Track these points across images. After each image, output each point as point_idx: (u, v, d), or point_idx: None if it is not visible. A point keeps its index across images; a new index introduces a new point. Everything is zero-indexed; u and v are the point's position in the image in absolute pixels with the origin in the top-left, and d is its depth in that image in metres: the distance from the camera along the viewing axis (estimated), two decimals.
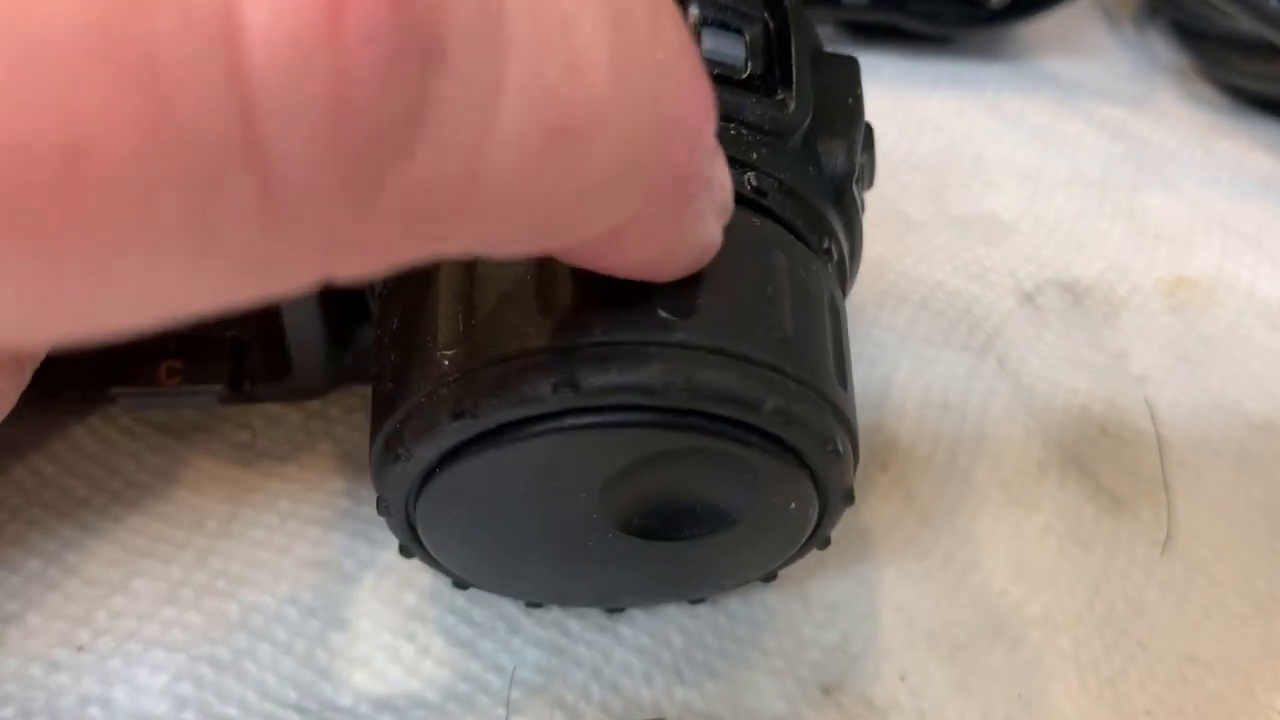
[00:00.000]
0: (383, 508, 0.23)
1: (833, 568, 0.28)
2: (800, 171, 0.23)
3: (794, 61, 0.24)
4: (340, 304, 0.26)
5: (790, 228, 0.22)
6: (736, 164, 0.22)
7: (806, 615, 0.27)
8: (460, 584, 0.26)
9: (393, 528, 0.23)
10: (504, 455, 0.20)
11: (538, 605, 0.27)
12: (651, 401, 0.20)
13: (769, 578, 0.26)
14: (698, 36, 0.23)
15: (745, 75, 0.23)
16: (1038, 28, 0.45)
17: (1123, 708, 0.26)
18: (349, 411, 0.29)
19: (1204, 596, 0.28)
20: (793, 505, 0.22)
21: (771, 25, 0.24)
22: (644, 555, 0.23)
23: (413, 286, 0.22)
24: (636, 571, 0.24)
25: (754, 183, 0.22)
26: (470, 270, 0.21)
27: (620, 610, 0.27)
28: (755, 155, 0.22)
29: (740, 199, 0.21)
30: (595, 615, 0.27)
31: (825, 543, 0.24)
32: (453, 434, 0.20)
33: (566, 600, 0.27)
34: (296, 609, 0.26)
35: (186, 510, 0.27)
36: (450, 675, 0.26)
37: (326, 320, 0.27)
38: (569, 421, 0.20)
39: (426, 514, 0.22)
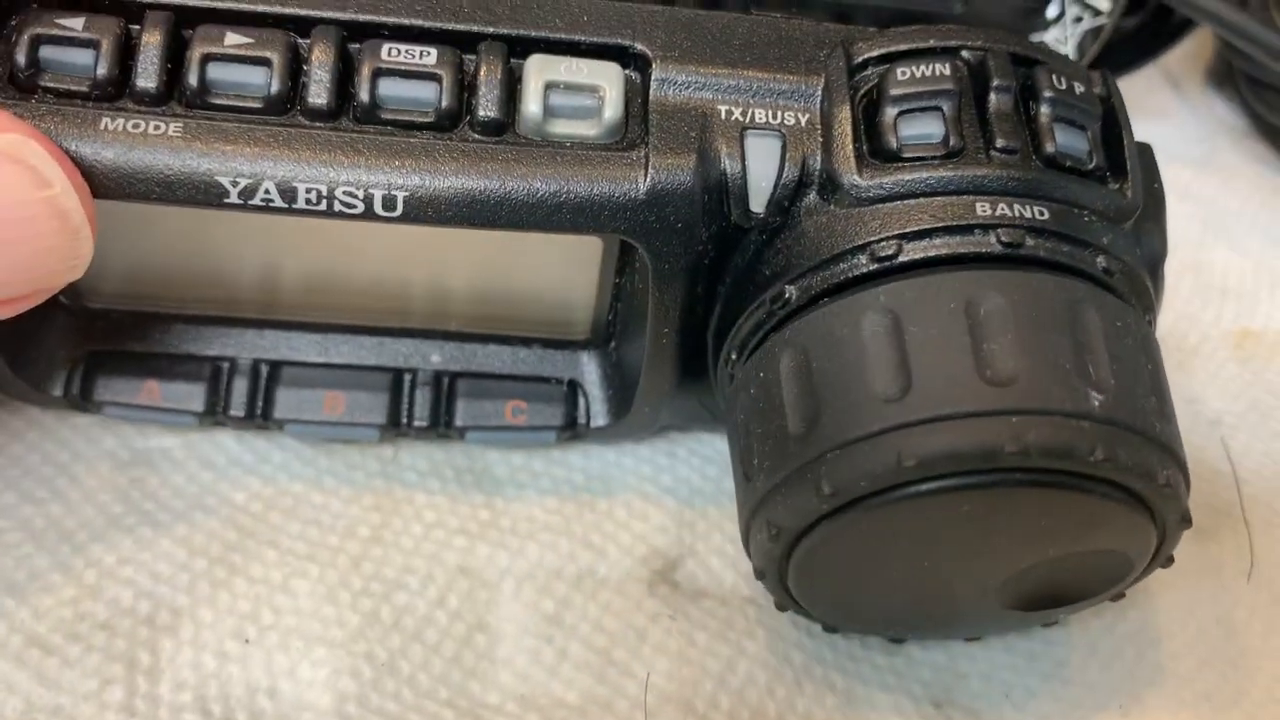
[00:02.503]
0: (759, 574, 0.26)
1: None
2: (1131, 253, 0.26)
3: (1126, 152, 0.26)
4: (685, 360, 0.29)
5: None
6: (1089, 247, 0.25)
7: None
8: (829, 628, 0.29)
9: (769, 588, 0.27)
10: (860, 524, 0.24)
11: (900, 640, 0.29)
12: (987, 465, 0.23)
13: (1117, 597, 0.28)
14: (1051, 133, 0.25)
15: (1091, 166, 0.26)
16: None
17: None
18: None
19: None
20: (1133, 535, 0.25)
21: (1105, 119, 0.27)
22: (992, 602, 0.27)
23: (754, 383, 0.26)
24: (994, 607, 0.27)
25: (1103, 264, 0.25)
26: (808, 365, 0.24)
27: (976, 639, 0.30)
28: (1106, 239, 0.25)
29: (1088, 276, 0.25)
30: (717, 628, 0.29)
31: (1169, 561, 0.27)
32: (812, 510, 0.24)
33: (928, 634, 0.29)
34: (444, 612, 0.29)
35: (339, 519, 0.30)
36: (589, 679, 0.28)
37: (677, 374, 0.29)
38: (916, 489, 0.23)
39: (797, 576, 0.26)
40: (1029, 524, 0.24)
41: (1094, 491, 0.23)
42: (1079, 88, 0.26)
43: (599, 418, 0.30)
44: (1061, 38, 0.40)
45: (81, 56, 0.24)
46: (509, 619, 0.29)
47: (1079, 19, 0.40)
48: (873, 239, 0.25)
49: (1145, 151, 0.28)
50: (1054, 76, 0.26)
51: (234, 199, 0.24)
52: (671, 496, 0.31)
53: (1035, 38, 0.40)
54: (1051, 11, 0.40)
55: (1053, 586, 0.27)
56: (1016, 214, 0.25)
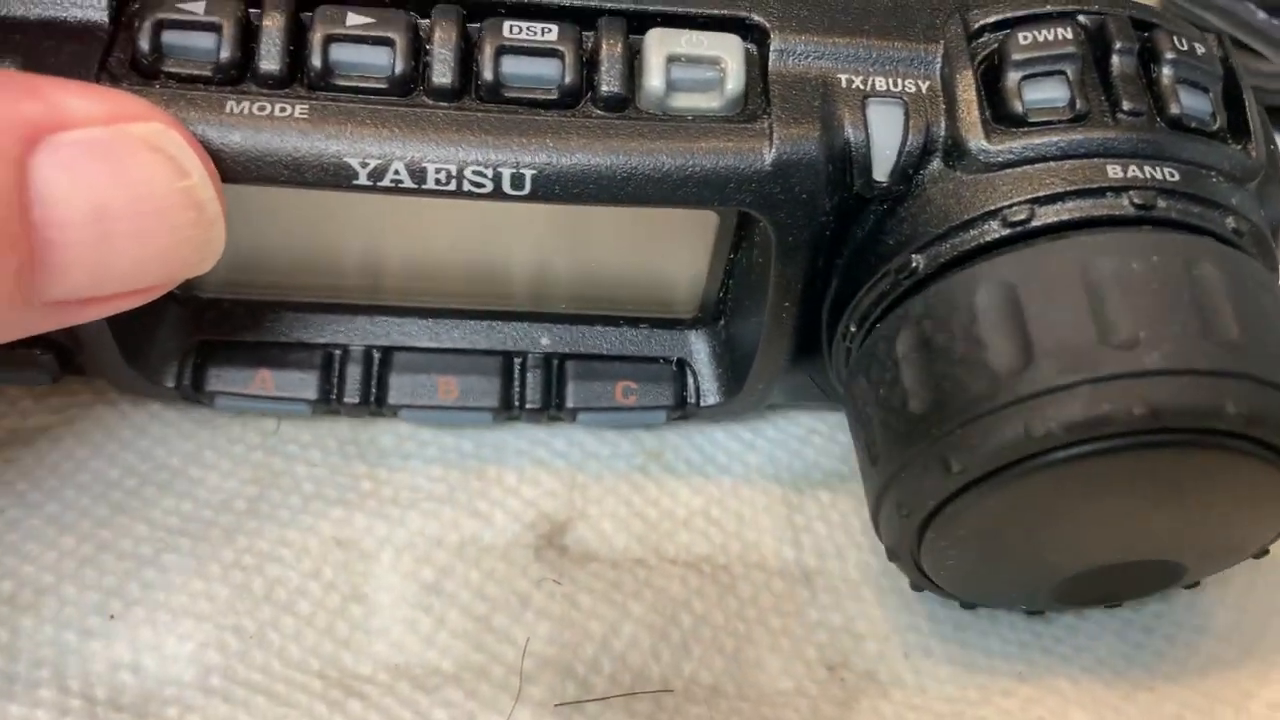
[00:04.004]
0: (891, 555, 0.26)
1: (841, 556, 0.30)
2: (1256, 213, 0.26)
3: (1249, 112, 0.26)
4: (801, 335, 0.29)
5: None
6: (1217, 208, 0.25)
7: (812, 599, 0.29)
8: (967, 605, 0.29)
9: (902, 569, 0.27)
10: (991, 499, 0.24)
11: (1039, 613, 0.29)
12: (1116, 430, 0.22)
13: (1261, 554, 0.28)
14: (1175, 95, 0.25)
15: (1215, 128, 0.26)
16: None
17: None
18: None
19: None
20: (1272, 491, 0.25)
21: (1225, 81, 0.27)
22: (1134, 563, 0.27)
23: (874, 362, 0.25)
24: (1131, 569, 0.27)
25: (1232, 225, 0.25)
26: (926, 343, 0.24)
27: (1117, 605, 0.30)
28: (1234, 199, 0.25)
29: (1218, 237, 0.24)
30: (603, 590, 0.29)
31: None
32: (941, 489, 0.24)
33: (1064, 605, 0.29)
34: (319, 584, 0.28)
35: (215, 492, 0.29)
36: (465, 646, 0.28)
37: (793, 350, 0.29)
38: (1048, 459, 0.23)
39: (930, 555, 0.26)
40: (1164, 486, 0.24)
41: (1231, 449, 0.23)
42: (1199, 49, 0.26)
43: (709, 396, 0.30)
44: None
45: (204, 40, 0.24)
46: (386, 589, 0.28)
47: None
48: (1004, 204, 0.25)
49: (1262, 114, 0.28)
50: (1174, 38, 0.26)
51: (363, 180, 0.24)
52: (564, 460, 0.31)
53: None
54: None
55: (1179, 561, 0.27)
56: (1148, 175, 0.25)
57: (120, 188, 0.22)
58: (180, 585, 0.28)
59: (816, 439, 0.33)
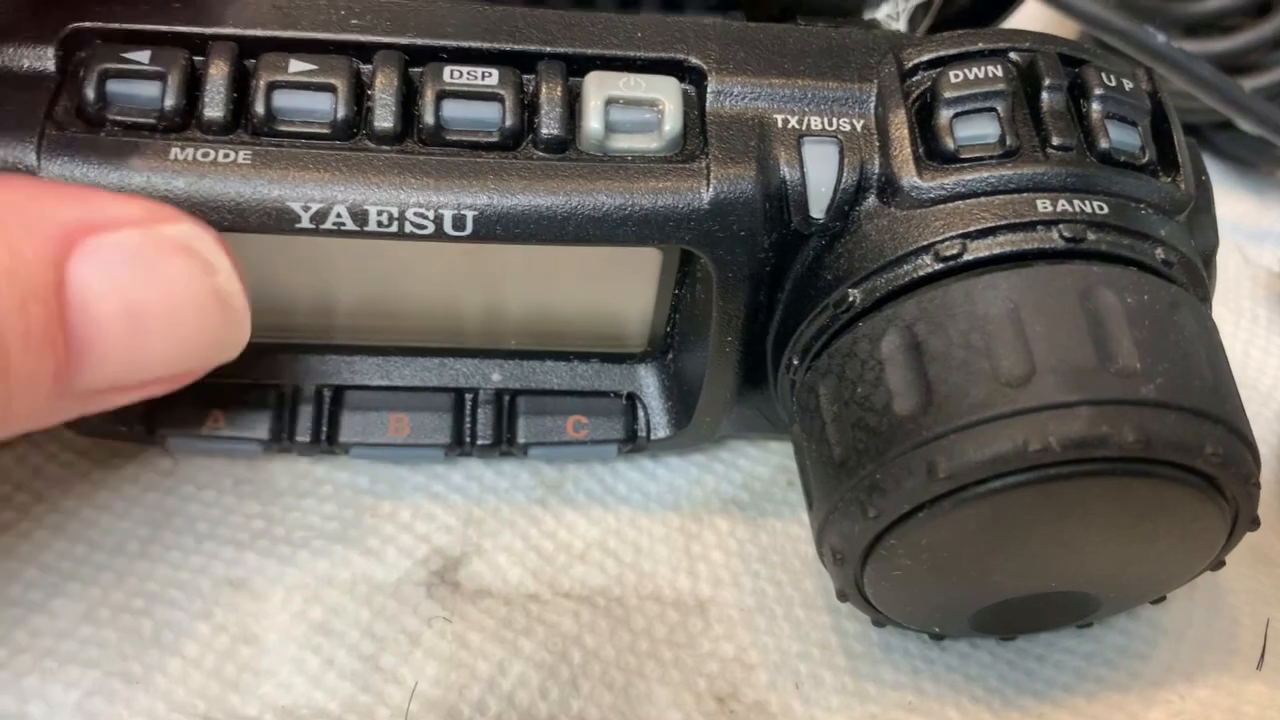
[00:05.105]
0: (836, 559, 0.26)
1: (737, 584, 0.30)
2: (1186, 244, 0.26)
3: (1177, 145, 0.27)
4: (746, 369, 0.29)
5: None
6: (1148, 239, 0.25)
7: (705, 629, 0.29)
8: (878, 623, 0.29)
9: (836, 576, 0.27)
10: (967, 510, 0.24)
11: (941, 637, 0.30)
12: (1108, 453, 0.23)
13: (1158, 600, 0.28)
14: (1104, 130, 0.26)
15: (1144, 161, 0.26)
16: None
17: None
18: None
19: None
20: (1205, 535, 0.26)
21: (1154, 114, 0.27)
22: (1057, 599, 0.27)
23: (848, 361, 0.25)
24: (1048, 607, 0.28)
25: (1162, 256, 0.25)
26: (919, 349, 0.24)
27: (1011, 639, 0.30)
28: (1163, 231, 0.26)
29: (1153, 270, 0.25)
30: (494, 628, 0.28)
31: (1220, 564, 0.27)
32: (922, 493, 0.24)
33: (974, 633, 0.29)
34: (208, 625, 0.28)
35: (110, 534, 0.29)
36: (352, 687, 0.28)
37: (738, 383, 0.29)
38: (1038, 474, 0.23)
39: (877, 564, 0.26)
40: (1122, 513, 0.25)
41: (1193, 486, 0.24)
42: (1128, 84, 0.27)
43: (660, 429, 0.31)
44: (894, 13, 0.39)
45: (148, 89, 0.25)
46: (275, 629, 0.28)
47: None
48: (936, 239, 0.25)
49: (1191, 145, 0.28)
50: (1103, 74, 0.26)
51: (306, 224, 0.25)
52: (460, 494, 0.31)
53: (868, 14, 0.40)
54: None
55: (1104, 595, 0.28)
56: (1077, 209, 0.25)
57: (154, 287, 0.23)
58: (69, 631, 0.27)
59: (718, 466, 0.33)
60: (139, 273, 0.22)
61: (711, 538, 0.31)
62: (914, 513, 0.24)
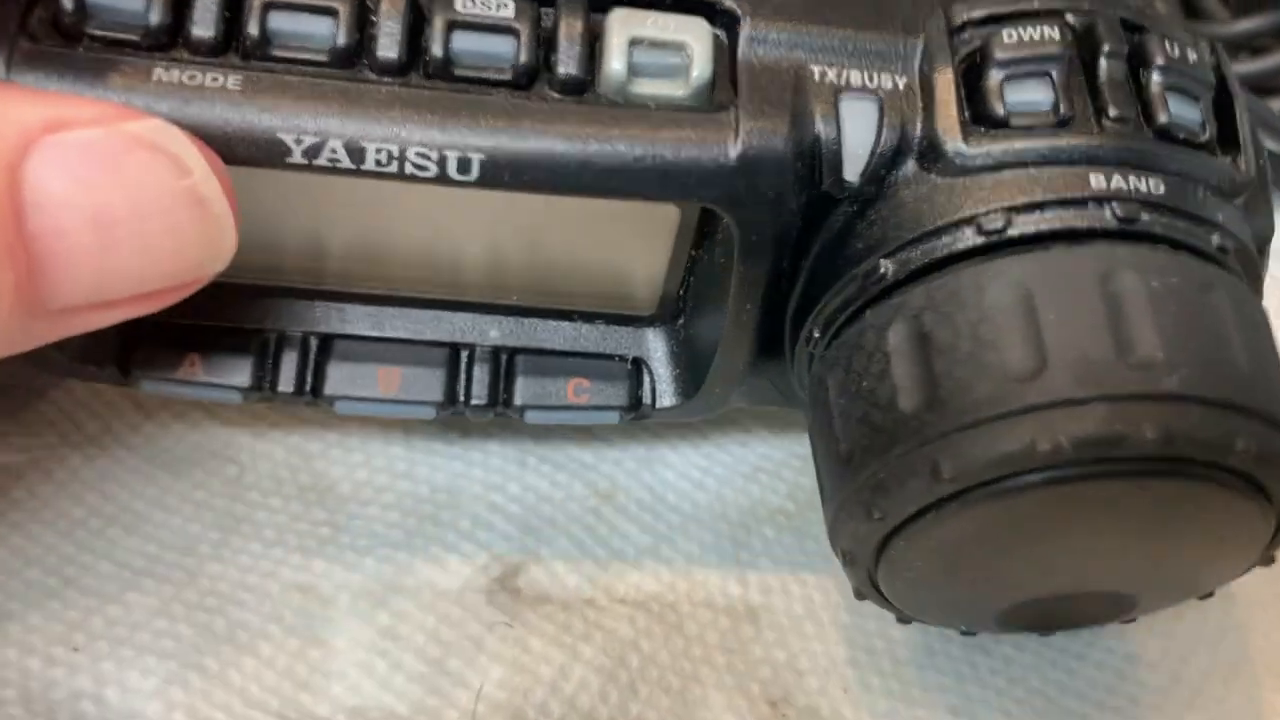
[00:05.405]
0: (846, 559, 0.25)
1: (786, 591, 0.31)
2: (1242, 229, 0.24)
3: (1240, 124, 0.25)
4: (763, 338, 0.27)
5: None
6: (1203, 223, 0.23)
7: (756, 635, 0.29)
8: (904, 619, 0.27)
9: (850, 575, 0.25)
10: (977, 512, 0.22)
11: (971, 633, 0.28)
12: (1125, 453, 0.21)
13: (1206, 596, 0.27)
14: (1164, 103, 0.24)
15: (1205, 139, 0.24)
16: None
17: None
18: (329, 447, 0.32)
19: None
20: (1247, 533, 0.24)
21: (1217, 90, 0.25)
22: (1089, 598, 0.26)
23: (855, 352, 0.24)
24: (1081, 605, 0.26)
25: (1218, 241, 0.23)
26: (925, 341, 0.22)
27: (1049, 634, 0.29)
28: (1220, 216, 0.24)
29: (1205, 255, 0.23)
30: (554, 633, 0.29)
31: (1270, 560, 0.25)
32: (926, 495, 0.22)
33: (1004, 630, 0.28)
34: (279, 627, 0.29)
35: (180, 535, 0.30)
36: (420, 690, 0.28)
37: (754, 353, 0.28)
38: (1047, 475, 0.21)
39: (889, 563, 0.24)
40: (1148, 515, 0.23)
41: (1225, 485, 0.22)
42: (1191, 55, 0.25)
43: (665, 397, 0.29)
44: None
45: (132, 2, 0.23)
46: (343, 633, 0.29)
47: None
48: (980, 211, 0.23)
49: (1253, 125, 0.26)
50: (1166, 43, 0.24)
51: (298, 158, 0.23)
52: (517, 504, 0.31)
53: None
54: None
55: (1144, 588, 0.26)
56: (1132, 187, 0.23)
57: (119, 189, 0.21)
58: (144, 623, 0.28)
59: (763, 476, 0.33)
60: (102, 173, 0.21)
61: (759, 545, 0.31)
62: (921, 514, 0.23)
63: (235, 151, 0.22)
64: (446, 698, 0.28)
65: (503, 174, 0.23)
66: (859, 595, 0.26)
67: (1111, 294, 0.22)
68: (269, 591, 0.29)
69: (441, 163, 0.23)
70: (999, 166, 0.24)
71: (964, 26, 0.25)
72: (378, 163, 0.23)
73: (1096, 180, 0.23)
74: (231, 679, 0.27)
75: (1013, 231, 0.23)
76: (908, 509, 0.23)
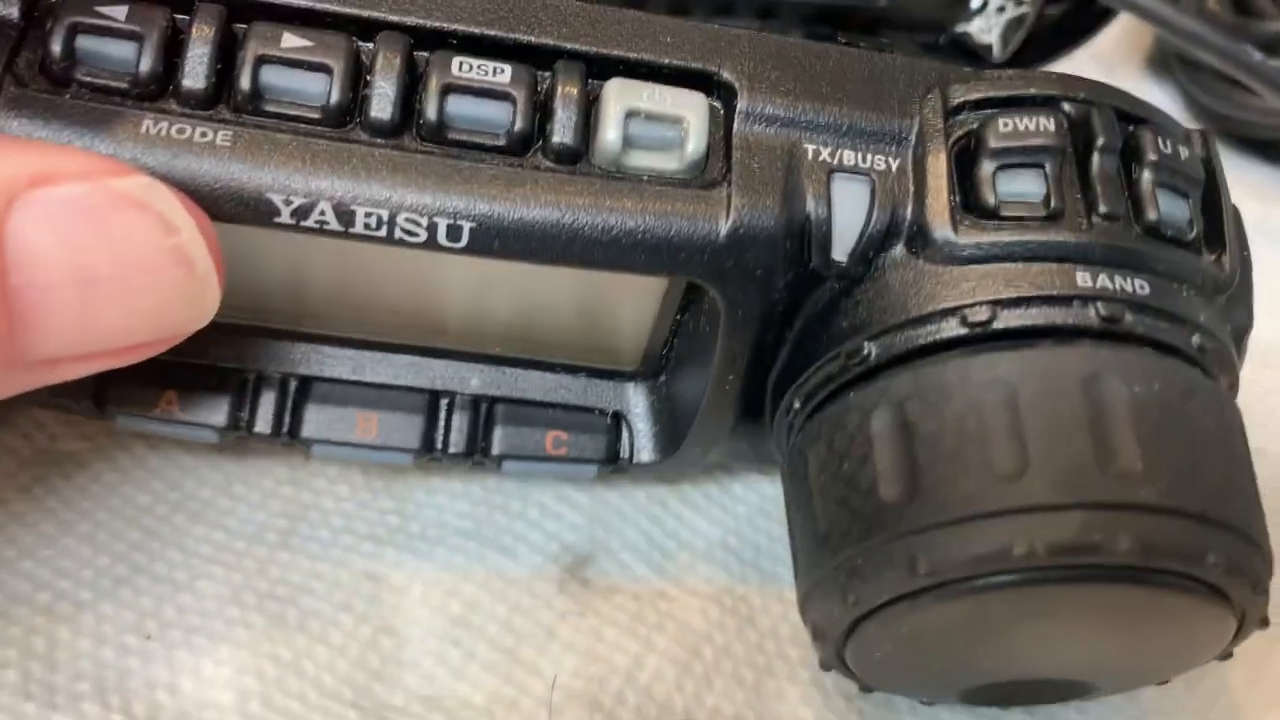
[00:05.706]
0: (816, 634, 0.25)
1: None
2: (1222, 329, 0.25)
3: (1225, 222, 0.25)
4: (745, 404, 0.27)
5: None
6: (1186, 324, 0.23)
7: None
8: (866, 689, 0.27)
9: (819, 648, 0.26)
10: (950, 605, 0.22)
11: (929, 704, 0.28)
12: (1099, 561, 0.21)
13: (1163, 682, 0.27)
14: (1154, 200, 0.24)
15: (1191, 237, 0.24)
16: None
17: None
18: None
19: None
20: (1210, 635, 0.24)
21: (1205, 185, 0.25)
22: (1051, 683, 0.26)
23: (837, 432, 0.24)
24: (1042, 687, 0.26)
25: (1198, 342, 0.24)
26: (909, 430, 0.22)
27: (1012, 706, 0.29)
28: (1202, 317, 0.24)
29: (1185, 356, 0.23)
30: (627, 623, 0.29)
31: (1228, 655, 0.25)
32: (901, 586, 0.22)
33: (967, 703, 0.28)
34: (350, 616, 0.28)
35: (246, 524, 0.29)
36: (495, 679, 0.28)
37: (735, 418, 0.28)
38: (1024, 576, 0.22)
39: (858, 642, 0.24)
40: (1115, 616, 0.23)
41: (1195, 593, 0.22)
42: (1183, 151, 0.25)
43: (644, 453, 0.29)
44: (986, 28, 0.39)
45: (122, 49, 0.22)
46: (415, 622, 0.28)
47: (1002, 8, 0.39)
48: (965, 302, 0.23)
49: (1236, 217, 0.27)
50: (1159, 139, 0.25)
51: (286, 219, 0.22)
52: (585, 494, 0.31)
53: (960, 28, 0.39)
54: (975, 2, 0.39)
55: (1105, 679, 0.27)
56: (1117, 287, 0.23)
57: (104, 247, 0.21)
58: (215, 612, 0.28)
59: None
60: (87, 230, 0.20)
61: None
62: (894, 602, 0.23)
63: (222, 209, 0.22)
64: (521, 686, 0.28)
65: (492, 243, 0.23)
66: (824, 666, 0.26)
67: (1094, 399, 0.22)
68: (340, 580, 0.29)
69: (431, 229, 0.23)
70: (986, 259, 0.24)
71: (960, 108, 0.25)
72: (367, 226, 0.23)
73: (1083, 278, 0.23)
74: (305, 669, 0.27)
75: (998, 325, 0.23)
76: (881, 596, 0.23)
